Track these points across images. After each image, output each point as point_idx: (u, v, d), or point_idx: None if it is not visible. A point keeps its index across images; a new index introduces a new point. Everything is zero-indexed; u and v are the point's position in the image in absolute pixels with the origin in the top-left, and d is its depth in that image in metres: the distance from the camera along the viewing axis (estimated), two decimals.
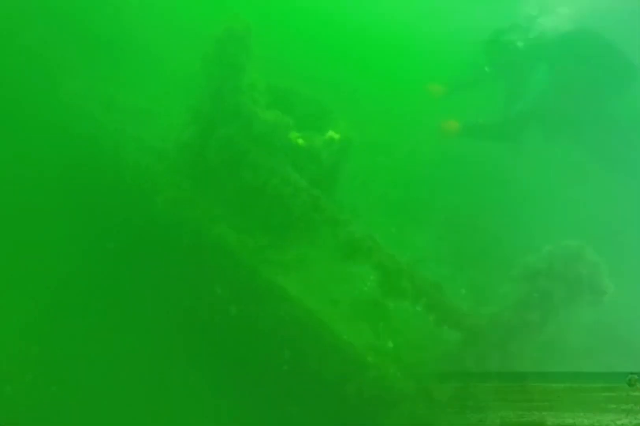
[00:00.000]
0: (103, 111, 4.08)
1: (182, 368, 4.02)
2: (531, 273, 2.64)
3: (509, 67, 4.93)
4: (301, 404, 3.45)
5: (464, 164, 6.01)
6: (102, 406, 3.68)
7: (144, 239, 3.78)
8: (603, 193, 5.76)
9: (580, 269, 2.53)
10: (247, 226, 3.49)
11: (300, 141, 3.21)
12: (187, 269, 3.68)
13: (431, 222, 5.01)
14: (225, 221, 3.48)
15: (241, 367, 3.79)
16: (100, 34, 4.55)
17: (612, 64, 4.62)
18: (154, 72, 4.64)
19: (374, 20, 7.04)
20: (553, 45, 4.77)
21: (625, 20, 5.61)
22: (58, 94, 4.18)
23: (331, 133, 3.38)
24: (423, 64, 6.35)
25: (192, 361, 4.03)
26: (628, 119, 4.92)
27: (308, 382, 3.39)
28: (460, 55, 5.64)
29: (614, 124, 4.83)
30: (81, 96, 4.17)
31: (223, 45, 3.01)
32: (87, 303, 4.08)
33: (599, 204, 5.75)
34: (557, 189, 5.93)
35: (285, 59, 5.03)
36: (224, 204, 3.50)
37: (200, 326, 3.93)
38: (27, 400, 3.62)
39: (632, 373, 2.61)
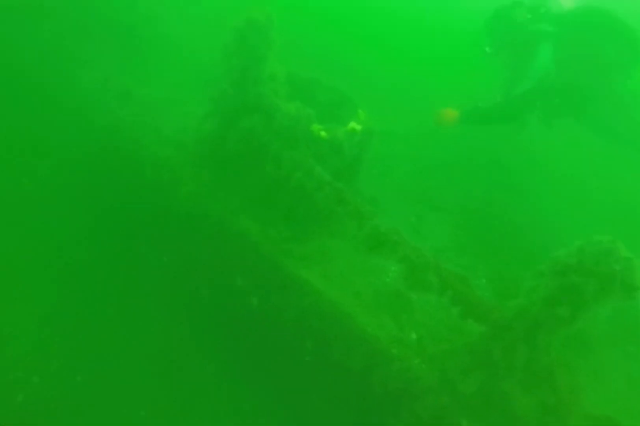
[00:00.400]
0: (120, 102, 4.04)
1: (202, 358, 4.04)
2: (561, 268, 2.60)
3: (512, 45, 4.78)
4: (325, 395, 3.47)
5: (481, 151, 5.93)
6: (127, 396, 3.72)
7: (164, 232, 3.77)
8: (616, 174, 5.68)
9: (613, 265, 2.47)
10: (270, 218, 3.46)
11: (322, 133, 3.16)
12: (209, 261, 3.68)
13: (450, 210, 4.97)
14: (247, 213, 3.45)
15: (262, 357, 3.80)
16: (117, 23, 4.46)
17: (620, 40, 4.46)
18: (173, 63, 4.56)
19: (387, 5, 6.92)
20: (558, 22, 4.62)
21: None
22: (75, 85, 4.13)
23: (353, 124, 3.32)
24: (439, 48, 6.24)
25: (212, 352, 4.05)
26: (636, 96, 4.79)
27: (332, 373, 3.40)
28: (470, 36, 5.48)
29: (622, 102, 4.69)
30: (98, 87, 4.12)
31: (244, 36, 2.94)
32: (108, 294, 4.09)
33: (614, 185, 5.68)
34: (571, 171, 5.85)
35: (305, 47, 4.94)
36: (246, 196, 3.48)
37: (220, 317, 3.94)
38: (54, 389, 3.66)
39: None
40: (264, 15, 2.94)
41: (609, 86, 4.59)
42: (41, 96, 4.22)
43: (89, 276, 4.16)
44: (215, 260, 3.64)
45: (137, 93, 4.16)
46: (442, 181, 5.31)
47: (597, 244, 2.53)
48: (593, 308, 2.65)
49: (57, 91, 4.20)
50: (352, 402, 3.37)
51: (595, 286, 2.53)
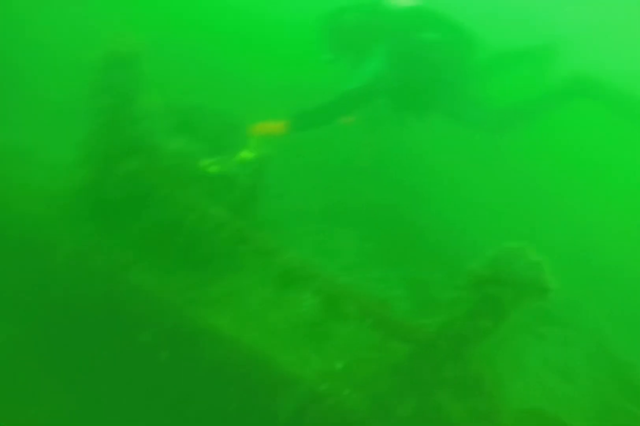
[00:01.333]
0: None
1: (117, 420, 3.64)
2: (478, 280, 2.59)
3: (347, 49, 4.76)
4: None
5: (369, 157, 5.94)
6: None
7: (46, 299, 3.31)
8: (493, 163, 5.93)
9: (525, 270, 2.50)
10: (167, 266, 3.16)
11: (213, 168, 2.92)
12: (105, 321, 3.29)
13: (354, 223, 4.91)
14: (142, 265, 3.13)
15: (182, 412, 3.49)
16: None
17: (453, 37, 4.63)
18: (34, 102, 4.03)
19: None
20: (393, 22, 4.67)
21: None
22: None
23: (244, 153, 3.11)
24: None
25: (126, 413, 3.66)
26: (477, 90, 4.97)
27: (261, 420, 3.18)
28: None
29: (468, 94, 4.86)
30: None
31: (109, 72, 2.62)
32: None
33: (496, 176, 5.93)
34: (456, 166, 6.01)
35: (182, 73, 4.61)
36: (137, 245, 3.14)
37: (130, 376, 3.56)
38: None
39: None
40: (129, 47, 2.62)
41: (448, 81, 4.70)
42: None
43: None
44: (113, 319, 3.27)
45: None
46: (341, 194, 5.25)
47: (508, 251, 2.55)
48: (512, 314, 2.69)
49: None
50: None
51: (512, 294, 2.56)
